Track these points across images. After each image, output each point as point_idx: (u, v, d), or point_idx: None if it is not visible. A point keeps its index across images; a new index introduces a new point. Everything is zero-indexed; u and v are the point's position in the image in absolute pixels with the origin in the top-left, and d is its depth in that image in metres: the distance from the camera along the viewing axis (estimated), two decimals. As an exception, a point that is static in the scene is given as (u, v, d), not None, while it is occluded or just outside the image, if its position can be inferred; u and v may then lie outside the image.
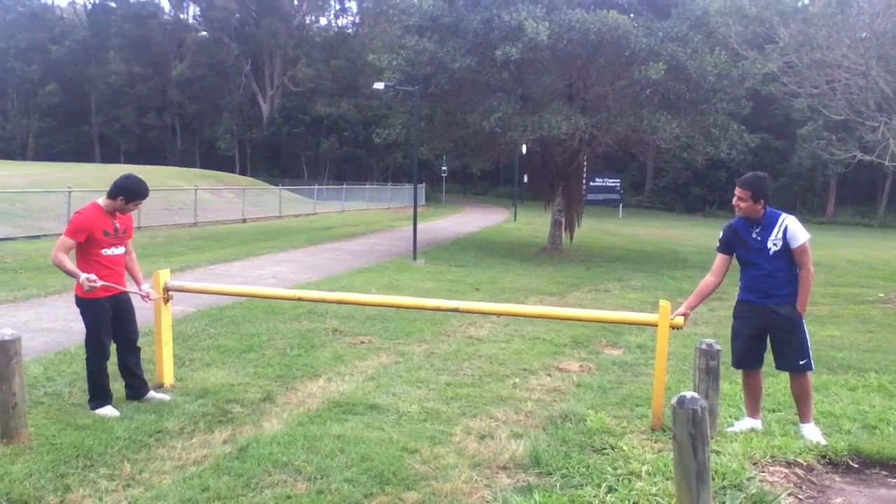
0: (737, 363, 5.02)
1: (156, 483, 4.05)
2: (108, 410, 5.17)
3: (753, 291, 4.88)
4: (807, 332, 4.84)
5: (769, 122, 49.04)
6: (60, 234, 5.25)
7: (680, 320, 4.92)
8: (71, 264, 5.05)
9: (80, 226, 5.07)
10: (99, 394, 5.25)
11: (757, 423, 4.98)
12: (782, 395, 5.93)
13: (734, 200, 4.90)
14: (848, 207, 54.47)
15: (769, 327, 4.84)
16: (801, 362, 4.79)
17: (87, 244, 5.11)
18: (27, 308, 9.17)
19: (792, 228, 4.76)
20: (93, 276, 5.02)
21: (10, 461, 4.22)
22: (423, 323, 8.80)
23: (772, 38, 17.67)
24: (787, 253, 4.76)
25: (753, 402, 5.05)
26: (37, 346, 7.12)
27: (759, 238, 4.84)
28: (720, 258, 5.05)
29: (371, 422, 5.17)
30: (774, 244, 4.77)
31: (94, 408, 5.19)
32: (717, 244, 5.10)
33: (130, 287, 5.47)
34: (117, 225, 5.27)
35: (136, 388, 5.49)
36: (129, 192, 5.19)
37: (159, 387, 5.75)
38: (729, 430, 4.94)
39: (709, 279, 5.05)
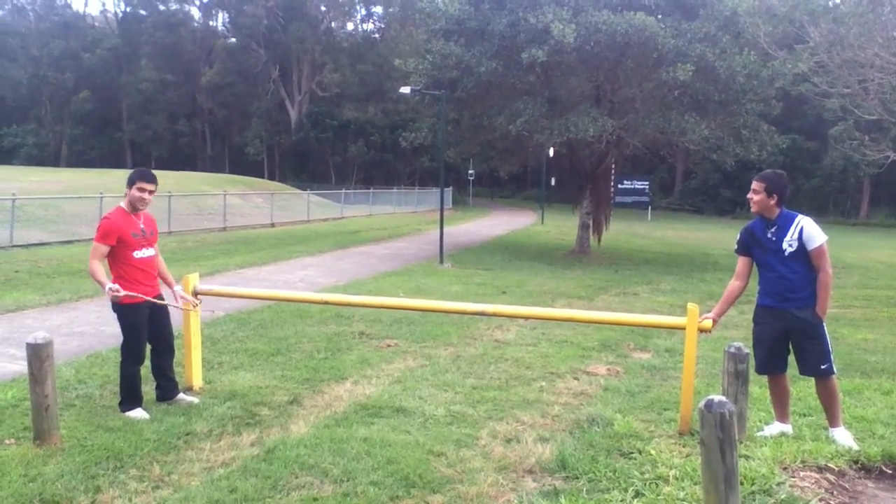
0: (760, 369, 4.97)
1: (184, 484, 4.10)
2: (138, 413, 5.23)
3: (771, 295, 4.83)
4: (828, 335, 4.77)
5: (800, 123, 48.38)
6: (93, 239, 5.35)
7: (708, 323, 4.88)
8: (102, 274, 5.13)
9: (109, 229, 5.17)
10: (131, 397, 5.32)
11: (787, 428, 4.92)
12: (813, 399, 5.82)
13: (749, 194, 4.89)
14: (882, 208, 53.50)
15: (790, 331, 4.77)
16: (823, 367, 4.72)
17: (118, 248, 5.20)
18: (60, 312, 9.32)
19: (808, 230, 4.71)
20: (115, 287, 5.10)
21: (42, 462, 4.29)
22: (449, 326, 8.80)
23: (802, 37, 17.44)
24: (804, 255, 4.70)
25: (782, 407, 4.99)
26: (69, 349, 7.23)
27: (774, 238, 4.80)
28: (741, 261, 5.04)
29: (397, 425, 5.18)
30: (790, 245, 4.72)
31: (124, 410, 5.26)
32: (736, 246, 5.08)
33: (163, 291, 5.55)
34: (143, 226, 5.36)
35: (167, 389, 5.56)
36: (134, 175, 5.32)
37: (188, 389, 5.81)
38: (759, 434, 4.88)
39: (734, 283, 5.01)
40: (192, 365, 5.91)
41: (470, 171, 48.11)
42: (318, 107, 61.54)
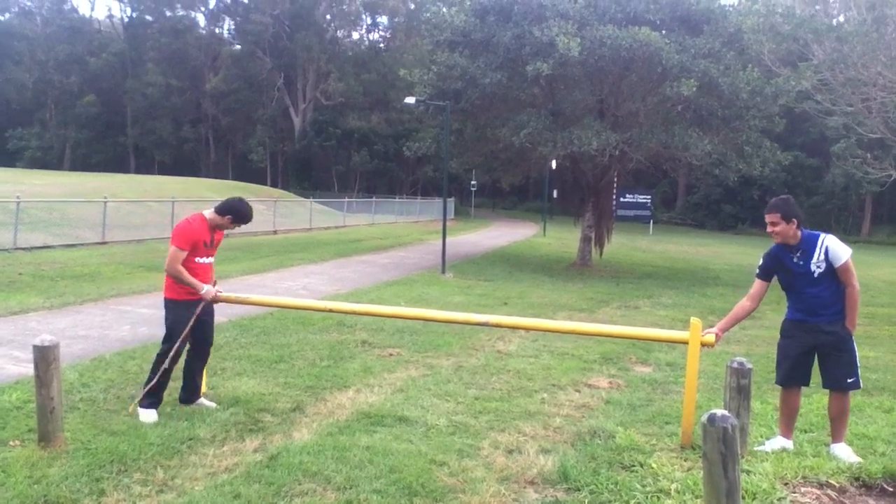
0: (782, 380, 4.99)
1: (188, 489, 4.12)
2: (152, 415, 5.27)
3: (802, 311, 4.86)
4: (856, 350, 4.79)
5: (803, 140, 48.50)
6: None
7: (711, 338, 4.89)
8: (189, 276, 5.33)
9: (190, 237, 5.35)
10: (157, 394, 5.38)
11: (788, 444, 4.93)
12: (814, 415, 5.86)
13: (768, 229, 4.88)
14: (884, 227, 53.55)
15: (818, 346, 4.80)
16: (850, 380, 4.75)
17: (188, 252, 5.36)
18: (64, 316, 9.35)
19: (833, 248, 4.72)
20: (212, 290, 5.40)
21: (47, 464, 4.31)
22: (451, 336, 8.82)
23: (805, 55, 17.55)
24: (832, 273, 4.73)
25: (788, 422, 5.01)
26: (73, 352, 7.25)
27: (801, 262, 4.81)
28: (758, 283, 5.04)
29: (400, 434, 5.20)
30: (818, 266, 4.74)
31: (145, 406, 5.30)
32: (757, 271, 5.07)
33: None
34: (214, 237, 5.56)
35: (192, 391, 5.64)
36: (238, 214, 5.52)
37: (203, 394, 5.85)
38: (759, 448, 4.90)
39: (745, 303, 5.03)
40: (196, 370, 5.93)
41: (472, 182, 48.20)
42: (322, 115, 61.71)
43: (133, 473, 4.30)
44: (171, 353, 5.34)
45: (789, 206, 4.82)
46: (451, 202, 45.78)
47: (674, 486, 4.11)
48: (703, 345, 4.95)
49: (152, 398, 5.35)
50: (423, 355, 7.93)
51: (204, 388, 5.95)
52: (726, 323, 5.01)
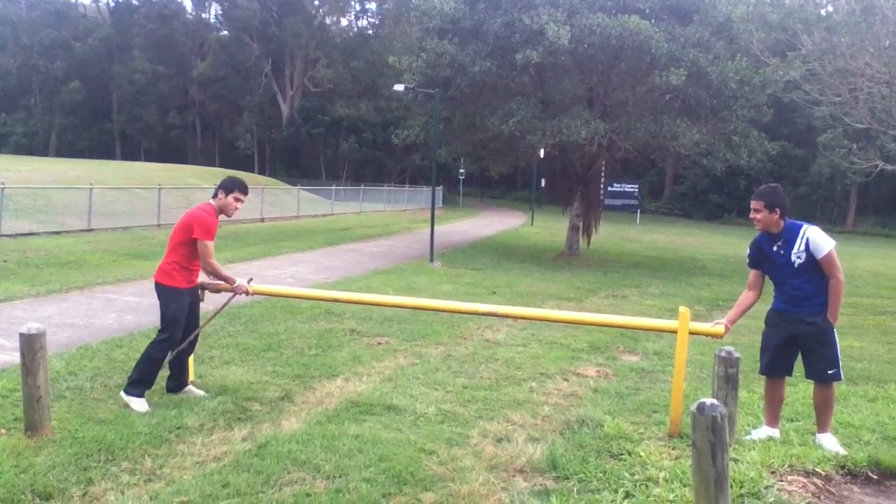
0: (764, 370, 5.02)
1: (176, 478, 4.10)
2: (142, 403, 5.25)
3: (784, 301, 4.87)
4: (837, 342, 4.81)
5: (790, 131, 48.66)
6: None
7: (720, 329, 4.90)
8: (224, 270, 5.41)
9: (212, 227, 5.34)
10: (145, 381, 5.34)
11: (775, 433, 4.97)
12: (801, 404, 5.91)
13: (751, 215, 4.90)
14: (869, 217, 53.93)
15: (799, 336, 4.81)
16: (830, 372, 4.76)
17: (193, 241, 5.33)
18: (49, 303, 9.28)
19: (814, 239, 4.71)
20: (244, 283, 5.47)
21: (34, 453, 4.28)
22: (440, 325, 8.82)
23: (794, 45, 17.58)
24: (814, 264, 4.72)
25: (773, 411, 5.04)
26: (59, 341, 7.20)
27: (782, 252, 4.81)
28: (752, 273, 5.06)
29: (389, 422, 5.20)
30: (798, 257, 4.74)
31: (132, 393, 5.26)
32: (747, 260, 5.09)
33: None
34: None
35: (181, 381, 5.61)
36: (241, 184, 5.52)
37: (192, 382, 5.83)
38: (746, 438, 4.93)
39: (747, 293, 5.04)
40: (184, 359, 5.90)
41: (461, 171, 48.08)
42: (310, 102, 61.38)
43: (121, 462, 4.28)
44: (163, 343, 5.33)
45: (775, 195, 4.82)
46: (439, 191, 45.69)
47: (662, 474, 4.13)
48: (712, 335, 4.99)
49: (142, 387, 5.31)
50: (411, 344, 7.93)
51: (192, 377, 5.94)
52: (734, 314, 5.01)
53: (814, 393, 4.95)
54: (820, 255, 4.69)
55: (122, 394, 5.29)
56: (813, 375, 4.86)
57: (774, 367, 4.96)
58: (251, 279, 5.66)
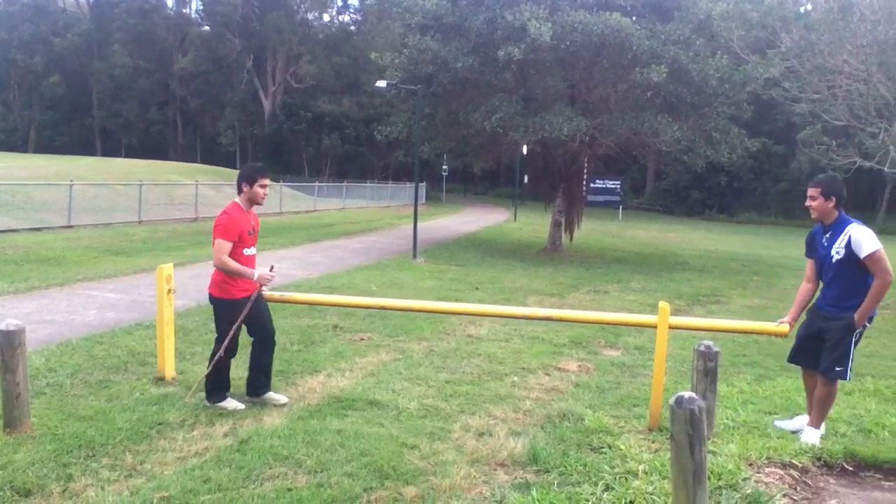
0: (789, 358, 5.17)
1: (157, 474, 4.10)
2: (231, 403, 5.27)
3: (822, 296, 4.94)
4: (856, 343, 4.81)
5: (770, 127, 49.03)
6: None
7: (785, 327, 4.97)
8: (237, 264, 5.17)
9: (231, 225, 5.18)
10: (221, 387, 5.35)
11: (804, 422, 5.05)
12: (779, 397, 5.99)
13: (807, 202, 4.91)
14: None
15: (823, 331, 4.86)
16: (837, 369, 4.78)
17: (234, 244, 5.20)
18: (29, 300, 9.20)
19: (856, 238, 4.68)
20: (266, 273, 5.28)
21: (13, 450, 4.26)
22: (422, 321, 8.83)
23: (774, 43, 17.73)
24: (854, 263, 4.69)
25: (808, 401, 5.16)
26: (38, 337, 7.15)
27: (826, 244, 4.85)
28: (808, 263, 5.13)
29: (371, 417, 5.22)
30: (837, 252, 4.75)
31: (216, 401, 5.27)
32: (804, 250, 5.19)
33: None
34: (253, 223, 5.41)
35: (261, 385, 5.53)
36: (259, 170, 5.34)
37: (160, 379, 5.79)
38: (783, 427, 5.06)
39: (804, 285, 5.12)
40: (166, 355, 5.89)
41: (444, 167, 48.05)
42: (292, 98, 61.10)
43: (101, 458, 4.27)
44: (224, 354, 5.30)
45: (833, 184, 4.86)
46: (422, 187, 45.65)
47: (641, 467, 4.18)
48: (778, 335, 5.10)
49: (221, 393, 5.35)
50: (394, 339, 7.94)
51: (173, 373, 5.93)
52: (794, 310, 5.07)
53: (817, 386, 4.98)
54: (862, 254, 4.64)
55: (206, 403, 5.30)
56: (820, 368, 4.88)
57: (796, 357, 5.09)
58: (273, 266, 5.52)
